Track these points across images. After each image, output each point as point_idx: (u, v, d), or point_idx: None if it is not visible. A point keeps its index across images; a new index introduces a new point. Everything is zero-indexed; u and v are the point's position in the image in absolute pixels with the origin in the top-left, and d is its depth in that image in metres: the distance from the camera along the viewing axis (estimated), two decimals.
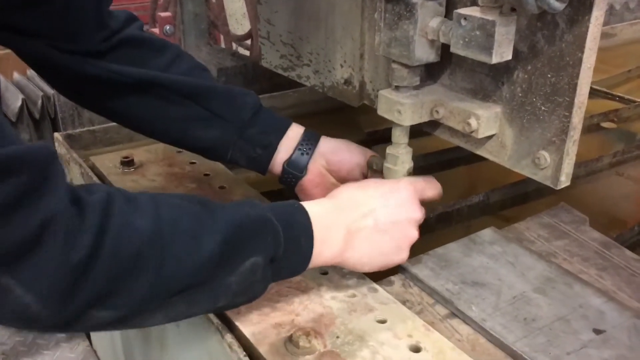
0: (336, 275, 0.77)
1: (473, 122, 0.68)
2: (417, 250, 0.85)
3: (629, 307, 0.74)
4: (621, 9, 2.05)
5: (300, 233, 0.64)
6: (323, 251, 0.66)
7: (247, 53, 1.80)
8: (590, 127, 1.35)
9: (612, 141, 1.33)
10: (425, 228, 0.99)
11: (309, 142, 0.85)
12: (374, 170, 0.83)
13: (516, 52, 0.64)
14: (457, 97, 0.72)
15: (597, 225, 0.92)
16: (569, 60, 0.60)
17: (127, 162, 1.03)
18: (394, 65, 0.72)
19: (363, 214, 0.69)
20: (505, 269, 0.79)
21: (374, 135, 1.32)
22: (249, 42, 1.84)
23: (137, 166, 1.04)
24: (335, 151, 0.86)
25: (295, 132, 0.86)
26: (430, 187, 0.76)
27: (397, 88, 0.74)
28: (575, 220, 0.92)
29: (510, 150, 0.69)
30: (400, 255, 0.72)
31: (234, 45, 1.84)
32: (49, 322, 0.50)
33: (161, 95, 0.82)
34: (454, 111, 0.70)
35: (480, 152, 0.73)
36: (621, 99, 1.47)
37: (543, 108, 0.64)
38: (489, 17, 0.60)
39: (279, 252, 0.62)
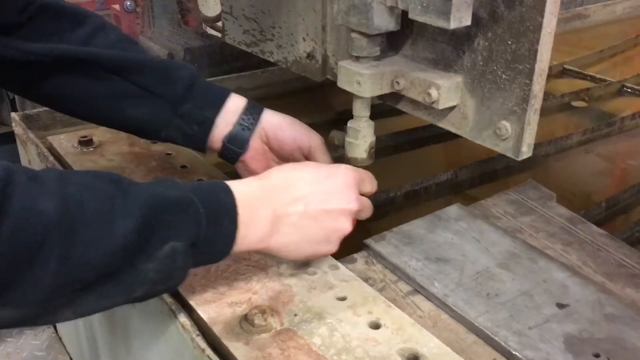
0: None
1: (433, 93, 0.66)
2: (382, 228, 0.83)
3: (593, 281, 0.73)
4: None
5: (224, 214, 0.59)
6: (248, 234, 0.61)
7: (218, 34, 1.76)
8: (562, 106, 1.34)
9: (582, 120, 1.32)
10: (392, 206, 0.99)
11: (251, 116, 0.78)
12: (335, 146, 0.80)
13: (476, 19, 0.62)
14: (418, 68, 0.70)
15: (566, 202, 0.91)
16: (529, 25, 0.58)
17: (86, 142, 1.00)
18: (354, 35, 0.70)
19: (294, 198, 0.64)
20: (470, 244, 0.77)
21: (345, 115, 1.29)
22: (220, 23, 1.80)
23: (96, 146, 1.00)
24: (278, 129, 0.79)
25: (235, 105, 0.79)
26: (370, 180, 0.71)
27: (357, 59, 0.71)
28: (542, 197, 0.91)
29: (471, 121, 0.68)
30: (327, 247, 0.67)
31: (204, 26, 1.80)
32: None
33: (84, 72, 0.75)
34: (415, 82, 0.68)
35: (442, 124, 0.71)
36: (592, 78, 1.47)
37: (504, 76, 0.62)
38: None
39: (201, 235, 0.57)
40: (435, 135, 1.17)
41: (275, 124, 0.79)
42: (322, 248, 0.67)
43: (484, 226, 0.81)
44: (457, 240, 0.78)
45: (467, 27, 0.62)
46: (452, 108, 0.69)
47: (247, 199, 0.60)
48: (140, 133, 0.83)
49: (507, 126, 0.63)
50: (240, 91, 1.34)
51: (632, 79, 1.44)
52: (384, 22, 0.67)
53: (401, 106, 0.76)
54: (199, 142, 0.80)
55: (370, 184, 0.71)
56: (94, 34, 0.78)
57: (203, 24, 1.86)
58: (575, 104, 1.35)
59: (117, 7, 1.14)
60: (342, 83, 0.72)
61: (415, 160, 1.15)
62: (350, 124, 0.76)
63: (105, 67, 0.75)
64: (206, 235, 0.57)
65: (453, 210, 0.85)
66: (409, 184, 0.98)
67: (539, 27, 0.58)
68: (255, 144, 0.79)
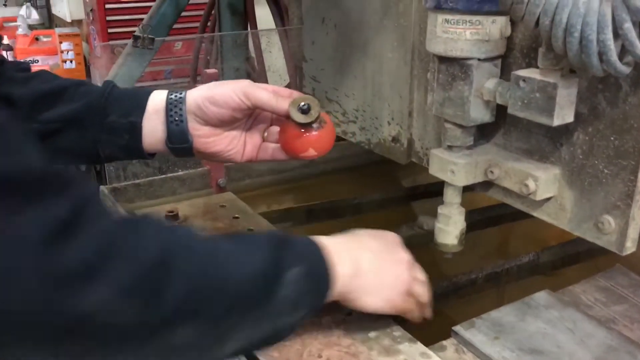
0: (386, 338, 0.74)
1: (531, 184, 0.66)
2: (464, 310, 0.82)
3: None
4: None
5: (318, 261, 0.64)
6: (337, 275, 0.65)
7: None
8: None
9: None
10: (473, 288, 0.97)
11: (175, 109, 0.76)
12: (301, 112, 0.74)
13: (576, 114, 0.63)
14: (513, 157, 0.71)
15: None
16: (634, 123, 0.59)
17: (172, 216, 1.03)
18: (448, 125, 0.71)
19: (363, 247, 0.70)
20: (564, 335, 0.75)
21: (415, 191, 1.30)
22: None
23: (182, 220, 1.04)
24: (206, 107, 0.75)
25: (156, 102, 0.77)
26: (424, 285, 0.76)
27: (449, 147, 0.73)
28: (633, 284, 0.88)
29: (570, 213, 0.67)
30: (402, 298, 0.71)
31: None
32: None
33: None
34: (510, 172, 0.69)
35: (537, 214, 0.71)
36: None
37: (606, 171, 0.62)
38: (550, 79, 0.59)
39: (313, 266, 0.63)
40: (510, 214, 1.16)
41: (201, 103, 0.75)
42: (397, 297, 0.71)
43: (576, 315, 0.79)
44: (550, 330, 0.76)
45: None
46: (548, 198, 0.69)
47: (330, 245, 0.66)
48: (82, 160, 0.84)
49: (610, 221, 0.63)
50: (312, 166, 1.39)
51: None
52: (479, 114, 0.69)
53: (491, 193, 0.76)
54: (137, 150, 0.78)
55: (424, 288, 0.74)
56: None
57: None
58: None
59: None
60: (435, 171, 0.74)
61: (489, 239, 1.14)
62: (440, 210, 0.76)
63: (26, 107, 0.75)
64: (316, 269, 0.63)
65: (542, 297, 0.83)
66: (491, 265, 0.97)
67: None
68: (196, 131, 0.76)
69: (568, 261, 1.04)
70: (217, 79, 1.20)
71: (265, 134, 0.81)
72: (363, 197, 1.23)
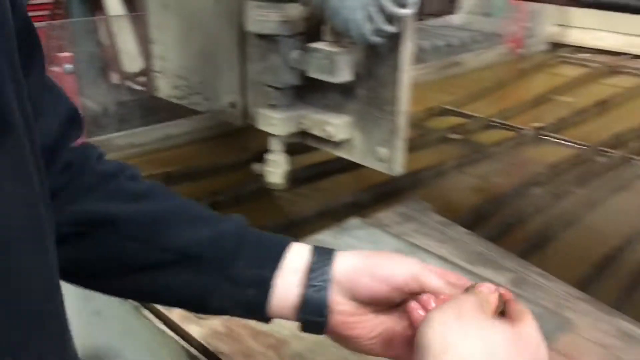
0: None
1: (330, 129, 0.88)
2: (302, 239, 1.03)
3: (463, 267, 0.97)
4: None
5: None
6: None
7: (142, 88, 1.94)
8: (440, 139, 1.63)
9: (458, 149, 1.60)
10: (308, 223, 1.20)
11: (320, 269, 0.57)
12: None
13: (357, 75, 0.85)
14: (317, 111, 0.92)
15: (446, 212, 1.16)
16: (389, 79, 0.83)
17: None
18: (267, 89, 0.91)
19: None
20: (367, 247, 0.99)
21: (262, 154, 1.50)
22: (143, 78, 1.98)
23: None
24: (355, 279, 0.56)
25: (298, 258, 0.57)
26: None
27: (271, 106, 0.93)
28: (423, 208, 1.15)
29: (359, 149, 0.91)
30: None
31: (127, 82, 1.97)
32: None
33: (106, 234, 0.56)
34: (315, 122, 0.90)
35: (339, 153, 0.94)
36: (465, 115, 1.77)
37: (378, 115, 0.86)
38: (332, 49, 0.81)
39: None
40: (340, 167, 1.39)
41: (351, 271, 0.56)
42: None
43: (377, 232, 1.04)
44: (357, 244, 1.00)
45: (350, 81, 0.85)
46: (346, 140, 0.92)
47: None
48: (185, 305, 0.63)
49: (383, 151, 0.87)
50: (169, 138, 1.54)
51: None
52: (289, 79, 0.90)
53: (310, 142, 0.98)
54: (258, 310, 0.59)
55: None
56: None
57: (126, 80, 2.03)
58: (452, 136, 1.64)
59: (58, 69, 1.29)
60: (261, 125, 0.94)
61: (325, 187, 1.37)
62: (268, 157, 0.97)
63: (128, 228, 0.57)
64: None
65: (354, 222, 1.07)
66: (320, 205, 1.20)
67: (396, 80, 0.82)
68: (337, 305, 0.57)
69: (382, 198, 1.30)
70: (71, 63, 1.30)
71: None
72: (217, 163, 1.41)
